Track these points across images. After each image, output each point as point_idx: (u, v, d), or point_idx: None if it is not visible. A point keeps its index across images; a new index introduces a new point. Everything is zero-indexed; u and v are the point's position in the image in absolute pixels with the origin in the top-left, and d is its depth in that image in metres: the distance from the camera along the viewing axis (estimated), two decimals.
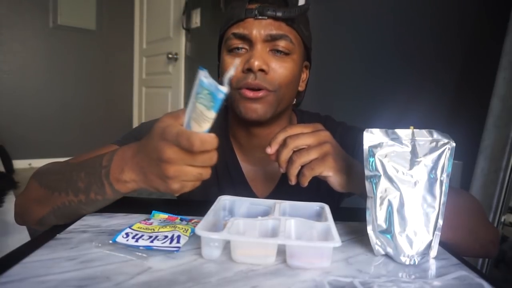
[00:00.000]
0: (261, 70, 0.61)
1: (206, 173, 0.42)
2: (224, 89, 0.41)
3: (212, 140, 0.39)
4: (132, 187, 0.47)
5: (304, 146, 0.52)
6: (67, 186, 0.49)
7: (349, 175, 0.52)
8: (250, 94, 0.61)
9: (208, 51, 2.53)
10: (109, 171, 0.46)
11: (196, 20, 2.67)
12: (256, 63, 0.60)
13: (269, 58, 0.62)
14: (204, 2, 2.58)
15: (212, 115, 0.42)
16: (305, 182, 0.52)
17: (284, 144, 0.53)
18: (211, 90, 0.41)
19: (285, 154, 0.52)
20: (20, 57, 3.08)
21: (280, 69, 0.63)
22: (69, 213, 0.51)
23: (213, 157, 0.41)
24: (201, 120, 0.42)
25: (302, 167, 0.52)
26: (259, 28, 0.61)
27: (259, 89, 0.62)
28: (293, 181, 0.53)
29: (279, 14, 0.61)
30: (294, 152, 0.52)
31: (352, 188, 0.53)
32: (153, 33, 3.29)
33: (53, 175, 0.54)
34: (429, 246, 0.44)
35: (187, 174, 0.41)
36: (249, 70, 0.61)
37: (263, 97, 0.62)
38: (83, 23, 3.29)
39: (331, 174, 0.52)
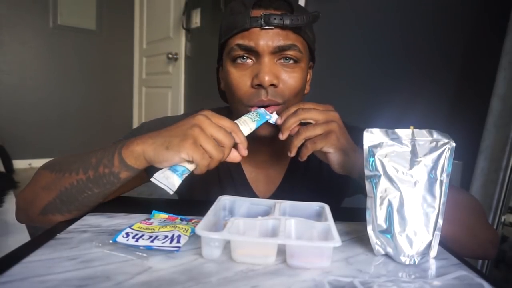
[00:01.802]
0: (272, 84, 0.59)
1: (217, 155, 0.47)
2: (273, 117, 0.58)
3: (238, 128, 0.51)
4: (137, 157, 0.48)
5: (312, 121, 0.55)
6: (80, 165, 0.51)
7: (349, 157, 0.54)
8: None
9: (208, 51, 2.53)
10: (124, 144, 0.49)
11: (196, 20, 2.67)
12: (267, 79, 0.57)
13: (278, 70, 0.60)
14: (204, 2, 2.58)
15: (252, 126, 0.56)
16: (304, 156, 0.55)
17: (294, 113, 0.55)
18: (260, 112, 0.58)
19: (291, 122, 0.55)
20: (20, 57, 3.08)
21: (289, 81, 0.61)
22: (75, 196, 0.51)
23: (229, 141, 0.49)
24: (242, 125, 0.54)
25: (306, 141, 0.54)
26: (266, 39, 0.58)
27: (269, 105, 0.61)
28: (292, 153, 0.56)
29: (286, 22, 0.57)
30: (301, 125, 0.55)
31: (350, 169, 0.55)
32: (153, 33, 3.29)
33: (68, 159, 0.55)
34: (429, 246, 0.44)
35: (205, 141, 0.46)
36: (259, 85, 0.59)
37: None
38: (83, 23, 3.29)
39: (332, 151, 0.54)
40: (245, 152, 0.52)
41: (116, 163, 0.49)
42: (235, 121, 0.55)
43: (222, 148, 0.48)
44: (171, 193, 0.48)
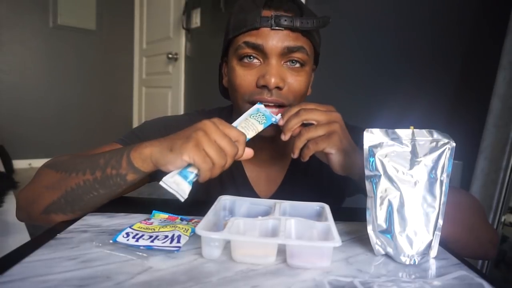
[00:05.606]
0: (277, 87, 0.59)
1: (219, 161, 0.46)
2: (278, 118, 0.57)
3: (244, 139, 0.50)
4: (145, 159, 0.48)
5: (314, 122, 0.54)
6: (87, 165, 0.51)
7: (350, 158, 0.54)
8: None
9: (208, 51, 2.53)
10: (134, 147, 0.49)
11: (196, 20, 2.67)
12: (273, 81, 0.58)
13: (284, 72, 0.60)
14: (204, 2, 2.58)
15: (259, 128, 0.56)
16: (306, 156, 0.54)
17: (296, 114, 0.54)
18: (266, 114, 0.57)
19: (293, 123, 0.54)
20: (20, 57, 3.08)
21: (295, 84, 0.61)
22: (81, 196, 0.51)
23: (232, 150, 0.47)
24: (249, 129, 0.55)
25: (308, 142, 0.54)
26: (275, 40, 0.58)
27: (275, 105, 0.60)
28: (296, 154, 0.55)
29: (296, 25, 0.57)
30: (303, 127, 0.54)
31: (350, 171, 0.55)
32: (153, 33, 3.30)
33: (75, 159, 0.55)
34: (429, 246, 0.44)
35: (207, 144, 0.45)
36: (263, 86, 0.59)
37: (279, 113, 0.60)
38: (83, 23, 3.29)
39: (333, 152, 0.54)
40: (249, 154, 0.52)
41: (124, 164, 0.49)
42: (243, 121, 0.56)
43: (225, 155, 0.47)
44: (182, 200, 0.46)
